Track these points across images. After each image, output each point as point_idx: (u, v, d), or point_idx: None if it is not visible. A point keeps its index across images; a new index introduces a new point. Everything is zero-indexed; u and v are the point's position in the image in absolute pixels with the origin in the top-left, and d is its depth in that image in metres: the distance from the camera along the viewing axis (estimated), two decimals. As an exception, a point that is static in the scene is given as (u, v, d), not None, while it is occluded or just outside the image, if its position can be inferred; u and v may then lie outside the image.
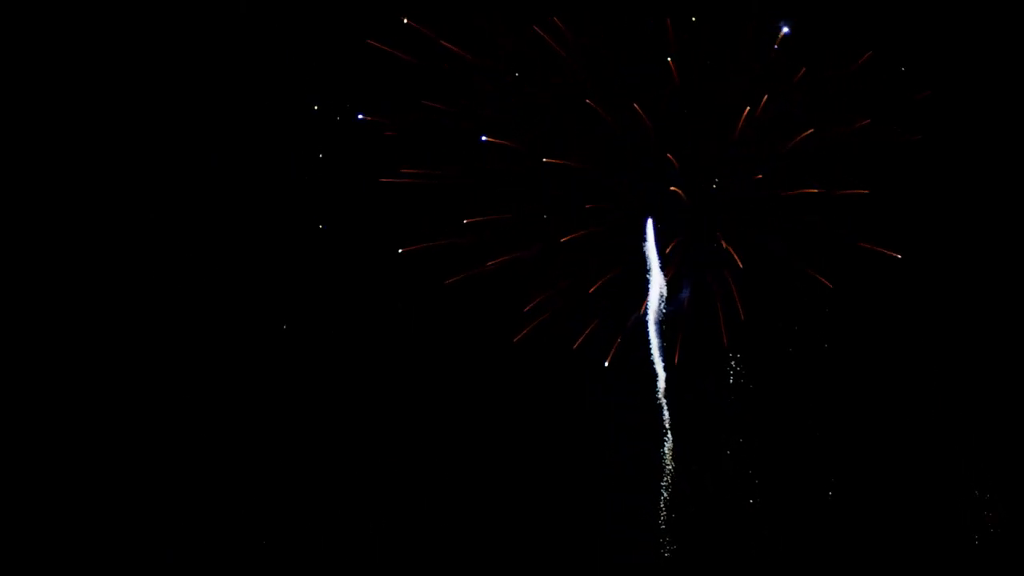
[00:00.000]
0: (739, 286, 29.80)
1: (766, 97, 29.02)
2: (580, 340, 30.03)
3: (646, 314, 29.90)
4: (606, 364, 30.07)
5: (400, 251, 29.98)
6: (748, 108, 29.02)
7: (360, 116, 29.50)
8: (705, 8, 29.12)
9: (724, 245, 29.67)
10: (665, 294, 29.43)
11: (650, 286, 29.64)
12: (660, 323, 29.44)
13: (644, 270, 29.91)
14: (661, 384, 29.65)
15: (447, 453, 30.12)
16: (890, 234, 29.62)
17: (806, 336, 29.94)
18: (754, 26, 29.25)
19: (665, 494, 29.10)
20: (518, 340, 29.87)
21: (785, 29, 28.36)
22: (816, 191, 29.34)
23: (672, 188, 29.80)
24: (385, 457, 29.96)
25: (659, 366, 29.54)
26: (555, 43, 29.30)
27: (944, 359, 30.05)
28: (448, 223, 29.91)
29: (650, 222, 29.73)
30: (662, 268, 29.74)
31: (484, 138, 29.19)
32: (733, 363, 29.74)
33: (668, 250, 29.87)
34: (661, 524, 28.83)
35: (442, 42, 29.46)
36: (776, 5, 28.85)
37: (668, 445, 29.31)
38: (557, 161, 29.59)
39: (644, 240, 29.68)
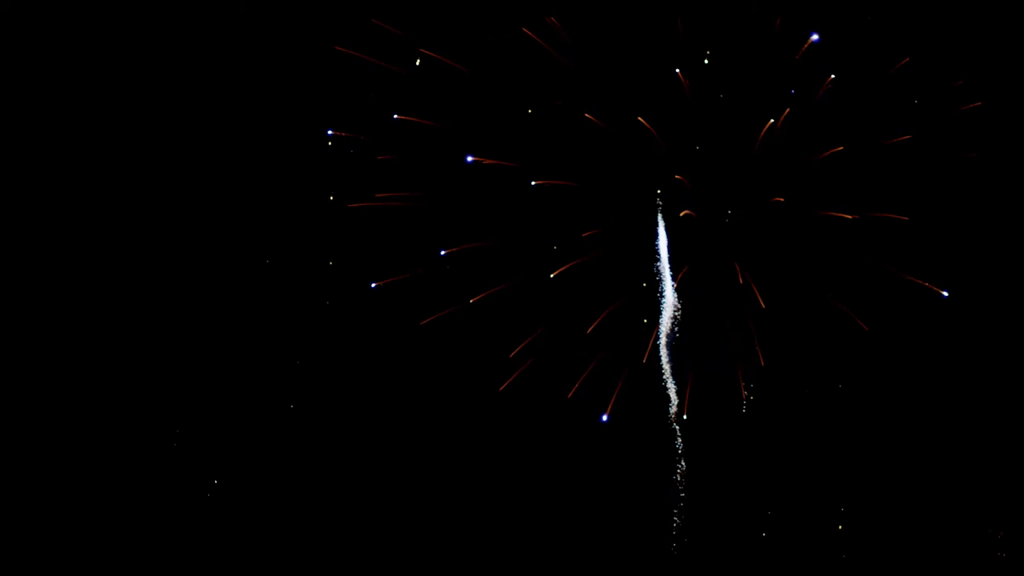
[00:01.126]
0: (759, 325, 26.99)
1: (788, 110, 26.37)
2: (575, 388, 27.20)
3: (653, 358, 27.23)
4: (604, 418, 27.06)
5: (373, 285, 27.53)
6: (771, 121, 26.33)
7: (330, 132, 27.15)
8: (719, 9, 26.55)
9: (741, 280, 26.83)
10: (679, 316, 26.84)
11: (663, 306, 27.01)
12: (671, 345, 26.88)
13: (650, 302, 27.23)
14: (673, 410, 27.25)
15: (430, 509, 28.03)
16: (934, 268, 26.82)
17: (837, 385, 27.53)
18: (775, 29, 26.52)
19: (677, 520, 27.17)
20: (504, 389, 27.20)
21: (814, 36, 25.67)
22: (848, 216, 26.47)
23: (684, 212, 26.85)
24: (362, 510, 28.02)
25: (672, 391, 27.09)
26: (549, 46, 26.76)
27: (990, 415, 27.47)
28: (423, 253, 27.42)
29: (663, 236, 26.99)
30: (675, 294, 27.03)
31: (470, 158, 26.57)
32: (749, 407, 27.13)
33: (677, 280, 27.15)
34: (671, 547, 27.03)
35: (421, 49, 27.23)
36: (798, 3, 25.98)
37: (680, 469, 27.28)
38: (549, 181, 26.88)
39: (657, 260, 26.97)
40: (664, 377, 27.33)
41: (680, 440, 27.36)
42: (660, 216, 26.89)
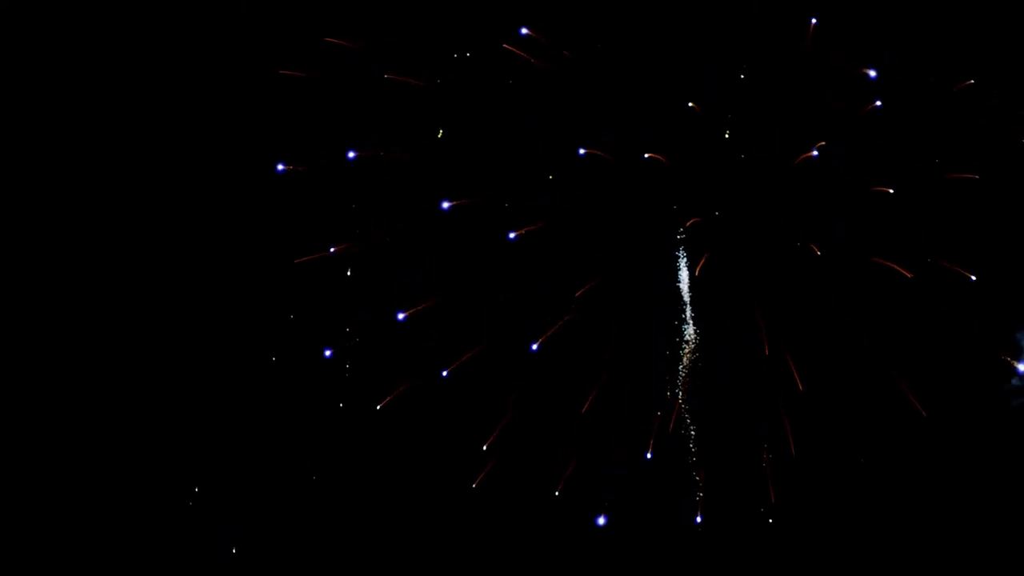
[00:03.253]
0: (793, 406, 24.02)
1: (822, 144, 23.75)
2: (562, 484, 24.42)
3: (661, 447, 24.51)
4: (601, 522, 24.49)
5: (327, 354, 25.05)
6: (812, 152, 23.65)
7: (280, 167, 24.85)
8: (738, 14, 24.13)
9: (768, 351, 23.85)
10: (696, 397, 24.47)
11: (679, 382, 24.40)
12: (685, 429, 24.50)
13: (659, 376, 24.54)
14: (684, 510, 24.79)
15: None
16: (1009, 338, 23.88)
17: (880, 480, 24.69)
18: (808, 42, 23.85)
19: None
20: (478, 485, 24.65)
21: (872, 73, 23.66)
22: (904, 273, 23.53)
23: (703, 259, 24.13)
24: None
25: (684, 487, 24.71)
26: (533, 60, 24.40)
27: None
28: (383, 318, 24.86)
29: (684, 292, 24.50)
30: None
31: (446, 204, 24.13)
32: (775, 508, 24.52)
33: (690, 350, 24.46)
34: None
35: (387, 75, 24.77)
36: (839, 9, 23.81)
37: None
38: (533, 227, 24.19)
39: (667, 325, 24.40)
40: (674, 470, 24.79)
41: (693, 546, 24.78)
42: (683, 267, 24.57)
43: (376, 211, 24.96)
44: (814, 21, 23.24)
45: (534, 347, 23.94)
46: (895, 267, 23.32)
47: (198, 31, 26.14)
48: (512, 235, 23.75)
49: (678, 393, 24.54)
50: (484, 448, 24.19)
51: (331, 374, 25.23)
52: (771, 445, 24.16)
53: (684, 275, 24.44)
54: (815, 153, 23.39)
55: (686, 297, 24.48)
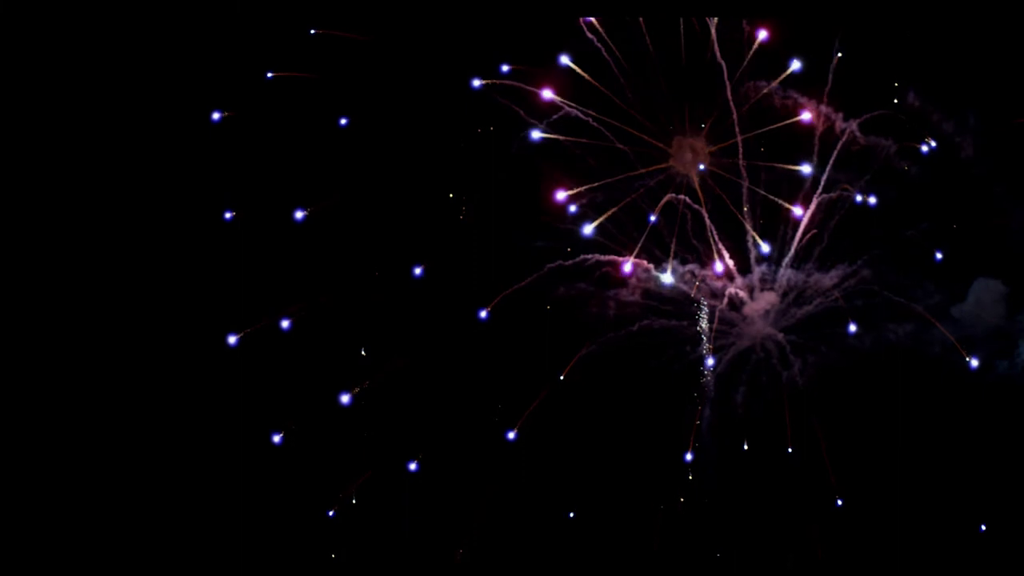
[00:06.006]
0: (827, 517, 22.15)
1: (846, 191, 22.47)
2: None
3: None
4: None
5: (276, 439, 23.04)
6: (846, 192, 22.01)
7: (228, 215, 23.57)
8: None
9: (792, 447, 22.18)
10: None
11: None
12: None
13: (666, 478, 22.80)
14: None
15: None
16: None
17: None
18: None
19: None
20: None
21: (924, 148, 22.42)
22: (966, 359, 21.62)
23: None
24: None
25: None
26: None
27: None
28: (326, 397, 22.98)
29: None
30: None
31: (418, 271, 22.65)
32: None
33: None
34: None
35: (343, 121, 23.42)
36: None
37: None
38: (499, 297, 22.45)
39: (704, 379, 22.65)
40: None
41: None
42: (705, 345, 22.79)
43: (326, 273, 23.21)
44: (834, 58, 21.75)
45: (511, 435, 22.15)
46: (963, 351, 21.31)
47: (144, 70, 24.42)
48: (483, 313, 22.02)
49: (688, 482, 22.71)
50: (456, 560, 22.49)
51: (279, 463, 23.05)
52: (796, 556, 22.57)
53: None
54: (872, 201, 21.62)
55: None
